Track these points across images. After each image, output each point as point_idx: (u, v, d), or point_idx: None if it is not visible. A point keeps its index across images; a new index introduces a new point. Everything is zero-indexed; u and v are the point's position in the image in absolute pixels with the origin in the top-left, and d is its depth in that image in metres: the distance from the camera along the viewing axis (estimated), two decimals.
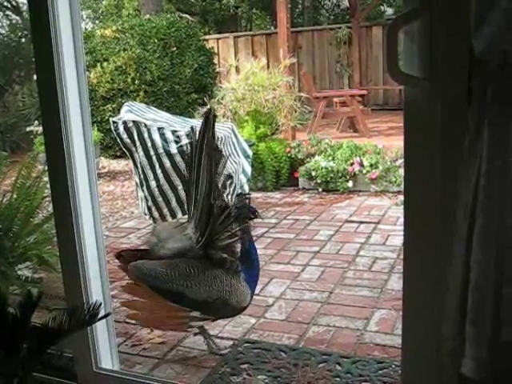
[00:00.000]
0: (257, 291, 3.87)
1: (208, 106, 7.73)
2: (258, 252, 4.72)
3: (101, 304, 2.04)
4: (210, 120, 2.94)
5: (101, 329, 2.47)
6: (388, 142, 7.34)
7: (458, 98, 1.44)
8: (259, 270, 3.10)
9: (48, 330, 1.93)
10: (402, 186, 1.66)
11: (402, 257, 1.66)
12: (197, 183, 2.91)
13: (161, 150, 4.99)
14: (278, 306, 3.70)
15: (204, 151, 2.89)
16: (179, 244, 2.93)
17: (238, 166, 5.45)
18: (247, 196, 3.08)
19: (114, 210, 6.54)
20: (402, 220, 1.63)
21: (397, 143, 7.13)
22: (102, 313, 2.04)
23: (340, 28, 12.57)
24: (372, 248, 4.73)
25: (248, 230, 2.95)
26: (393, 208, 5.88)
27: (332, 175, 6.72)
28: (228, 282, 2.88)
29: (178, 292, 2.81)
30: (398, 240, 4.80)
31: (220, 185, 2.97)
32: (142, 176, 5.21)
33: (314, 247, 4.84)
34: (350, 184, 6.67)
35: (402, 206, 1.63)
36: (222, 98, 7.72)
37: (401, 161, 6.59)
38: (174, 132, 5.02)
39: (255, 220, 5.46)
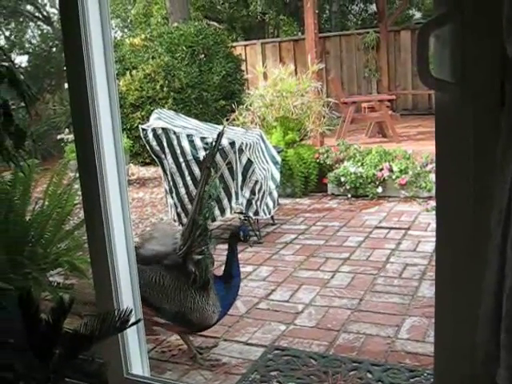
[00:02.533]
0: (286, 298, 3.91)
1: (233, 116, 7.77)
2: (287, 258, 4.77)
3: (131, 310, 2.05)
4: (219, 140, 3.15)
5: (131, 335, 2.48)
6: (418, 147, 7.27)
7: (490, 102, 1.42)
8: (237, 290, 3.14)
9: (79, 336, 1.94)
10: (433, 191, 1.64)
11: (433, 263, 1.65)
12: (195, 195, 3.06)
13: (190, 157, 5.02)
14: (307, 312, 3.69)
15: (204, 166, 3.07)
16: (162, 247, 3.05)
17: (266, 173, 5.46)
18: (246, 218, 3.27)
19: (143, 217, 6.59)
20: (433, 226, 1.62)
21: (427, 148, 7.06)
22: (132, 319, 2.05)
23: (368, 33, 12.51)
24: (402, 254, 4.69)
25: (235, 250, 3.06)
26: (423, 214, 5.82)
27: (361, 181, 6.68)
28: (191, 298, 2.97)
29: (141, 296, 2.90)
30: (429, 246, 4.75)
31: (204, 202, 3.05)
32: (171, 183, 5.25)
33: (344, 253, 4.81)
34: (380, 190, 6.62)
35: (433, 212, 1.61)
36: (251, 105, 7.74)
37: (431, 166, 6.53)
38: (202, 139, 5.05)
39: (284, 226, 5.50)
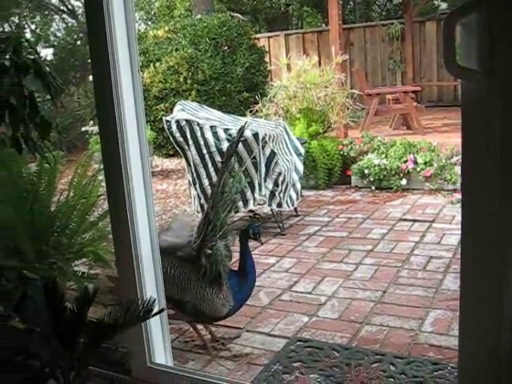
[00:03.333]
0: (309, 289, 3.90)
1: (257, 107, 7.75)
2: (310, 250, 4.77)
3: (155, 300, 2.06)
4: (239, 135, 3.18)
5: (155, 325, 2.50)
6: (443, 140, 7.20)
7: None
8: (253, 286, 3.15)
9: (103, 325, 1.96)
10: (458, 183, 1.62)
11: (458, 256, 1.63)
12: (214, 188, 3.06)
13: (213, 149, 5.03)
14: (330, 304, 3.68)
15: (226, 161, 3.06)
16: (178, 239, 3.09)
17: (290, 164, 5.45)
18: (257, 215, 3.29)
19: (167, 208, 6.62)
20: (457, 218, 1.60)
21: (452, 140, 6.99)
22: (156, 309, 2.07)
23: (392, 24, 12.39)
24: (426, 247, 4.65)
25: (247, 247, 3.08)
26: (448, 206, 5.76)
27: (385, 173, 6.64)
28: (201, 289, 3.01)
29: None
30: (453, 239, 4.71)
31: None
32: (194, 174, 5.26)
33: (367, 246, 4.79)
34: (404, 182, 6.58)
35: (458, 205, 1.60)
36: (274, 96, 7.72)
37: (456, 158, 6.46)
38: (226, 130, 5.05)
39: (307, 218, 5.50)
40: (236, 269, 3.11)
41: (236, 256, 3.13)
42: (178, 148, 5.38)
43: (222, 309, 3.03)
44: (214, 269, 2.98)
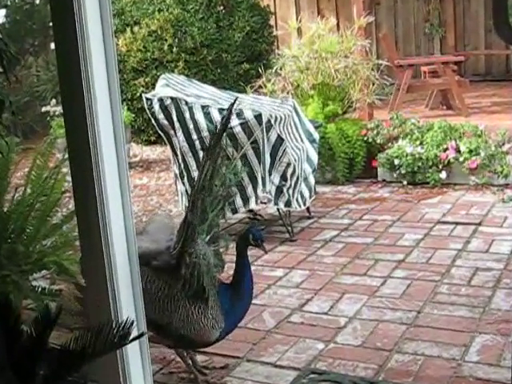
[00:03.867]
0: (325, 309, 3.91)
1: (260, 82, 7.74)
2: (327, 260, 4.78)
3: (133, 322, 2.06)
4: (229, 111, 3.07)
5: (133, 352, 2.50)
6: (492, 122, 7.19)
7: None
8: (248, 304, 3.14)
9: (69, 353, 1.96)
10: (511, 177, 1.62)
11: (510, 267, 1.62)
12: (196, 186, 3.00)
13: (205, 133, 5.03)
14: (351, 327, 3.68)
15: (210, 151, 3.00)
16: (153, 244, 3.08)
17: (301, 153, 5.45)
18: (257, 216, 3.24)
19: (147, 208, 6.63)
20: (510, 221, 1.60)
21: (503, 123, 6.97)
22: (134, 333, 2.07)
23: None
24: (471, 256, 4.65)
25: (245, 256, 3.06)
26: (498, 206, 5.74)
27: (420, 164, 6.64)
28: (184, 308, 3.00)
29: None
30: (505, 246, 4.69)
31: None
32: (182, 165, 5.26)
33: (398, 255, 4.80)
34: (443, 175, 6.57)
35: (511, 203, 1.59)
36: (281, 68, 7.71)
37: (509, 145, 6.45)
38: (221, 110, 5.04)
39: (323, 220, 5.52)
40: (229, 282, 3.12)
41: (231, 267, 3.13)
42: (161, 133, 5.38)
43: (211, 332, 3.03)
44: (197, 281, 2.96)
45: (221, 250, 3.12)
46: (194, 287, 2.95)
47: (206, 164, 2.96)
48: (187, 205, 3.05)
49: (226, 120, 3.07)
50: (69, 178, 2.54)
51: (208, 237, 3.03)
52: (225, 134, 3.08)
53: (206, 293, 2.97)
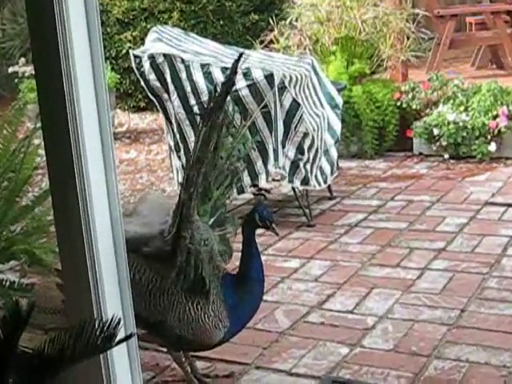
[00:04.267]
0: (350, 307, 3.91)
1: (271, 36, 7.71)
2: (352, 248, 4.79)
3: (119, 321, 2.06)
4: (234, 68, 2.98)
5: (119, 357, 2.51)
6: None
7: None
8: (259, 298, 3.13)
9: (43, 358, 1.96)
10: None
11: None
12: (192, 158, 2.96)
13: (205, 97, 5.01)
14: (381, 329, 3.69)
15: (210, 117, 2.95)
16: (145, 228, 3.06)
17: (321, 121, 5.43)
18: (262, 191, 3.21)
19: (136, 187, 6.64)
20: None
21: None
22: (121, 333, 2.07)
23: None
24: None
25: (252, 242, 3.05)
26: None
27: (464, 134, 6.61)
28: (181, 304, 2.99)
29: None
30: None
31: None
32: (177, 136, 5.26)
33: (437, 242, 4.80)
34: (493, 147, 6.55)
35: None
36: (297, 20, 7.67)
37: None
38: (224, 70, 5.03)
39: (347, 201, 5.51)
40: (236, 273, 3.12)
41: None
42: (152, 97, 5.37)
43: (213, 332, 3.02)
44: (195, 271, 2.95)
45: (228, 235, 3.12)
46: (190, 278, 2.94)
47: (202, 131, 2.92)
48: (183, 176, 3.03)
49: (229, 80, 3.03)
50: (42, 152, 2.54)
51: (212, 219, 3.03)
52: (229, 98, 3.07)
53: (207, 285, 2.96)
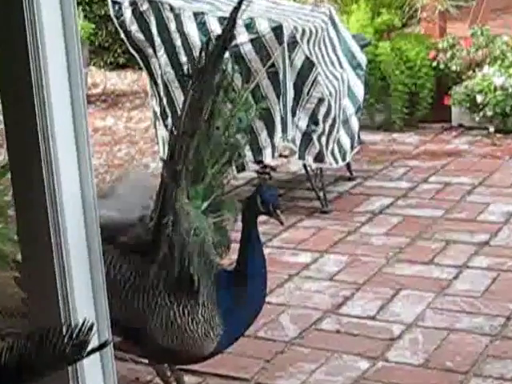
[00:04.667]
0: (372, 312, 3.92)
1: None
2: (375, 240, 4.81)
3: (92, 326, 2.07)
4: (232, 29, 2.96)
5: (92, 369, 2.52)
6: None
7: None
8: (260, 301, 3.11)
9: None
10: None
11: None
12: (178, 127, 2.94)
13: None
14: (409, 339, 3.70)
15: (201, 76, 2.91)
16: (123, 213, 3.05)
17: (339, 84, 5.42)
18: (268, 171, 3.17)
19: (113, 162, 6.64)
20: None
21: None
22: (94, 341, 2.08)
23: None
24: None
25: (252, 230, 3.03)
26: None
27: None
28: (164, 308, 2.96)
29: None
30: None
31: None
32: (165, 100, 5.25)
33: (479, 235, 4.81)
34: None
35: None
36: None
37: None
38: (222, 20, 5.02)
39: (370, 183, 5.52)
40: (231, 269, 3.12)
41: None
42: (134, 52, 5.36)
43: (203, 341, 3.01)
44: (182, 268, 2.93)
45: (225, 223, 3.11)
46: (173, 275, 2.91)
47: (191, 94, 2.89)
48: (168, 149, 3.00)
49: (226, 33, 2.99)
50: None
51: (206, 203, 3.02)
52: (227, 55, 3.05)
53: (195, 284, 2.93)
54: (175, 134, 2.92)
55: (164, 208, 2.86)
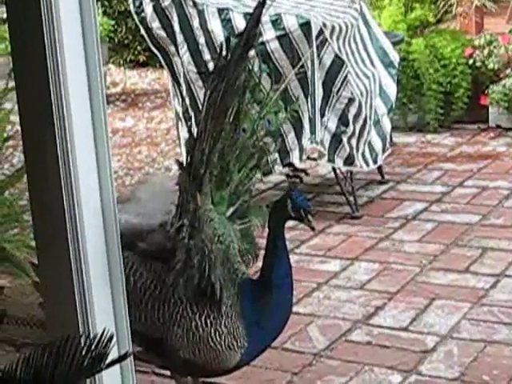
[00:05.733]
0: (404, 323, 3.91)
1: None
2: (408, 248, 4.80)
3: (112, 337, 2.07)
4: (256, 25, 2.94)
5: (111, 383, 2.52)
6: None
7: None
8: (287, 311, 3.10)
9: (14, 382, 1.98)
10: None
11: None
12: (198, 128, 2.91)
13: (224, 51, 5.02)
14: (444, 351, 3.68)
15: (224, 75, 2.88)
16: (143, 219, 3.05)
17: (370, 83, 5.41)
18: (297, 172, 3.16)
19: (133, 165, 6.65)
20: None
21: None
22: (113, 352, 2.08)
23: None
24: None
25: (279, 236, 3.00)
26: None
27: None
28: (186, 318, 2.95)
29: None
30: None
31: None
32: (187, 100, 5.26)
33: None
34: None
35: None
36: None
37: None
38: (248, 16, 5.02)
39: (403, 187, 5.51)
40: (257, 278, 3.10)
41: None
42: (155, 50, 5.37)
43: (227, 354, 3.01)
44: (202, 276, 2.92)
45: (252, 229, 3.11)
46: (193, 284, 2.90)
47: (213, 93, 2.85)
48: (190, 150, 2.97)
49: (251, 29, 2.96)
50: (15, 118, 2.55)
51: (231, 209, 3.01)
52: (254, 53, 3.04)
53: (217, 294, 2.93)
54: (195, 135, 2.89)
55: (181, 213, 2.86)
